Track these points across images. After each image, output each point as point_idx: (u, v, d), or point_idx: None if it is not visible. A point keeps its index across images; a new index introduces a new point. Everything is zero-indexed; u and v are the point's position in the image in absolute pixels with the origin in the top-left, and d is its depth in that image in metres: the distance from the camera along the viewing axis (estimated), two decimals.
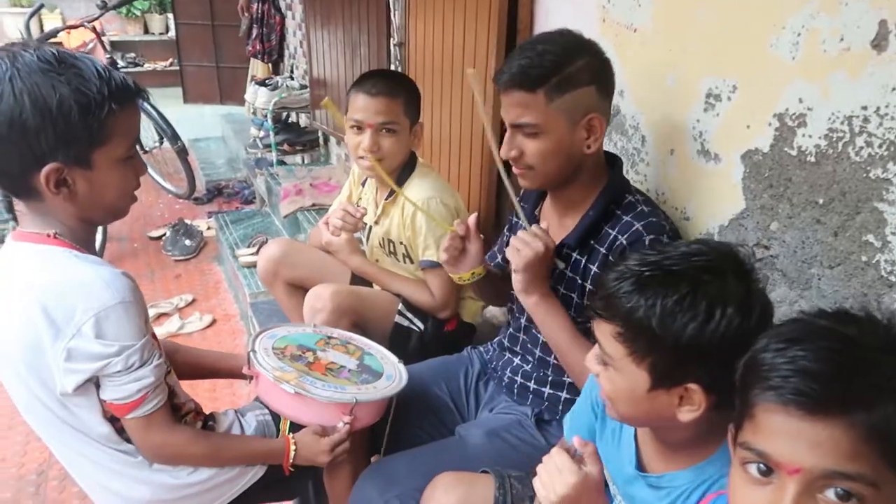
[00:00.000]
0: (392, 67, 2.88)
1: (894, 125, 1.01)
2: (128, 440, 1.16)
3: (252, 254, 3.28)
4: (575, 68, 1.22)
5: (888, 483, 0.60)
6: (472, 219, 1.42)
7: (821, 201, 1.14)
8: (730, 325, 0.81)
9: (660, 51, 1.47)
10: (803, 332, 0.67)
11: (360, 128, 1.75)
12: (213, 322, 3.29)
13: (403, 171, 1.83)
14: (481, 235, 1.43)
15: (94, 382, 1.09)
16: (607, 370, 0.91)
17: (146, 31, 8.54)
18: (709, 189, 1.38)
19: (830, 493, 0.61)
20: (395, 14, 2.83)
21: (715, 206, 1.37)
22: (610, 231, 1.28)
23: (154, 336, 1.14)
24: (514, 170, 1.32)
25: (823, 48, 1.10)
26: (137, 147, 1.16)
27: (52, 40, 4.39)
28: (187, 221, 4.29)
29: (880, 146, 1.03)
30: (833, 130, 1.10)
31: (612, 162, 1.38)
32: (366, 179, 1.99)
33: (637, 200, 1.31)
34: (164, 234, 4.19)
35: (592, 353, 0.95)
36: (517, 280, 1.29)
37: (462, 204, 1.90)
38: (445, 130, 2.37)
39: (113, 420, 1.14)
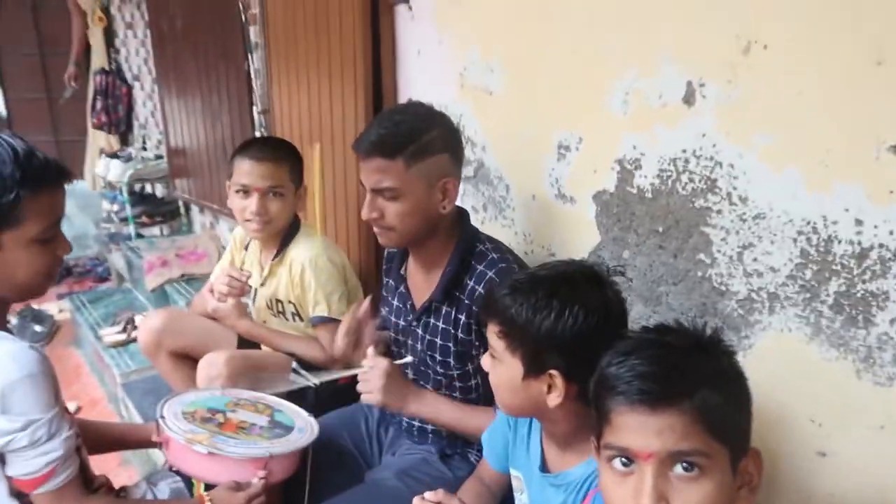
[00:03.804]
0: (258, 134, 2.94)
1: (709, 164, 1.25)
2: None
3: (119, 332, 3.13)
4: (430, 137, 1.35)
5: (717, 452, 0.78)
6: (365, 304, 1.51)
7: (660, 229, 1.36)
8: (576, 320, 1.00)
9: (514, 110, 1.67)
10: (635, 345, 0.85)
11: (246, 192, 1.81)
12: (79, 409, 3.07)
13: (289, 232, 1.90)
14: (373, 319, 1.56)
15: None
16: (494, 365, 1.10)
17: None
18: (568, 227, 1.58)
19: (678, 468, 0.77)
20: (256, 82, 2.91)
21: (575, 241, 1.56)
22: (468, 282, 1.41)
23: (66, 409, 1.12)
24: (375, 229, 1.42)
25: (648, 104, 1.33)
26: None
27: None
28: (35, 306, 3.99)
29: (700, 181, 1.27)
30: (663, 171, 1.33)
31: (462, 216, 1.49)
32: (249, 243, 2.02)
33: (487, 249, 1.43)
34: (10, 323, 3.86)
35: (486, 355, 1.13)
36: (390, 409, 1.44)
37: (347, 261, 1.99)
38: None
39: (20, 496, 1.10)
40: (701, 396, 0.77)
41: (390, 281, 1.61)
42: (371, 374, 1.40)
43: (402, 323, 1.55)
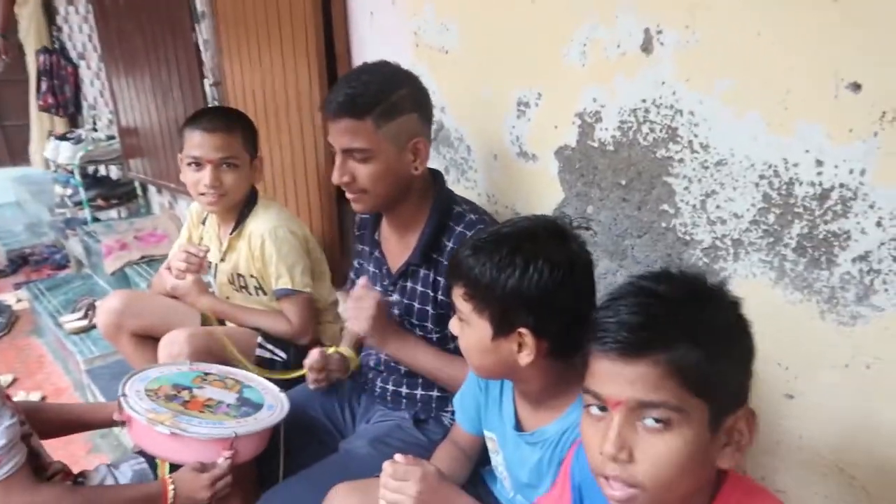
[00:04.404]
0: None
1: (669, 112, 1.23)
2: None
3: (80, 318, 3.05)
4: (398, 97, 1.32)
5: (693, 408, 0.75)
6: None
7: (623, 182, 1.34)
8: (541, 275, 0.98)
9: (472, 69, 1.63)
10: (625, 291, 0.83)
11: (199, 164, 1.74)
12: (44, 399, 2.99)
13: (246, 204, 1.84)
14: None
15: None
16: (462, 328, 1.07)
17: None
18: (532, 185, 1.56)
19: (648, 420, 0.76)
20: (206, 54, 2.81)
21: (539, 199, 1.54)
22: (447, 243, 1.39)
23: (8, 397, 1.08)
24: (348, 195, 1.39)
25: (606, 55, 1.30)
26: None
27: None
28: None
29: (661, 130, 1.25)
30: (623, 122, 1.31)
31: (436, 177, 1.48)
32: (206, 217, 1.96)
33: (464, 210, 1.42)
34: None
35: (454, 318, 1.10)
36: (370, 341, 1.40)
37: (308, 232, 1.94)
38: (277, 164, 2.39)
39: None
40: (680, 349, 0.74)
41: (364, 247, 1.57)
42: (361, 303, 1.36)
43: (378, 288, 1.52)
